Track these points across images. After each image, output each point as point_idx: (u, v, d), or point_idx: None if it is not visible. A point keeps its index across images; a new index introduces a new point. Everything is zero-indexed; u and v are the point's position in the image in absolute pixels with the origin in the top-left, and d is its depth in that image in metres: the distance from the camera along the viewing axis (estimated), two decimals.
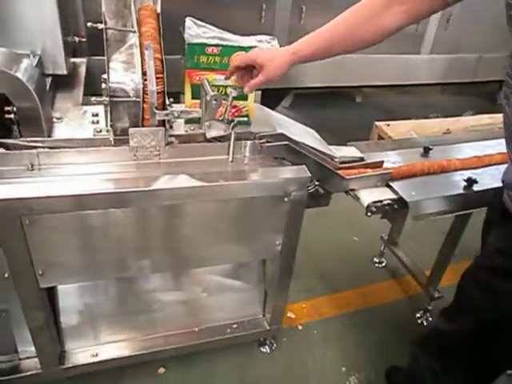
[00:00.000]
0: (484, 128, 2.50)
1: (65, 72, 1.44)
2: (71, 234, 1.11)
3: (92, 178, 1.12)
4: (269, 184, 1.21)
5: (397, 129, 2.55)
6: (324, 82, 2.91)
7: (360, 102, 4.15)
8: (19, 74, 1.09)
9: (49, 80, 1.41)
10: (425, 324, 1.86)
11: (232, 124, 1.20)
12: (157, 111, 1.11)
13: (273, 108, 2.96)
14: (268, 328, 1.59)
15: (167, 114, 1.13)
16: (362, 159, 1.57)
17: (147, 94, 1.10)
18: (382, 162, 1.55)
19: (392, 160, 1.63)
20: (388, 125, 2.59)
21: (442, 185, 1.54)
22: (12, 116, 1.12)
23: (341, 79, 2.93)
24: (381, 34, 1.06)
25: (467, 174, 1.56)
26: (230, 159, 1.26)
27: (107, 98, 1.10)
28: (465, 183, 1.51)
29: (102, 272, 1.23)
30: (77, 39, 1.65)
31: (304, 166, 1.28)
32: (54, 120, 1.28)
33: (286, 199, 1.25)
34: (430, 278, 1.83)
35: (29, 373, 1.36)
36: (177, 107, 1.17)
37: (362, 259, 2.20)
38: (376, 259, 2.19)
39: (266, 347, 1.68)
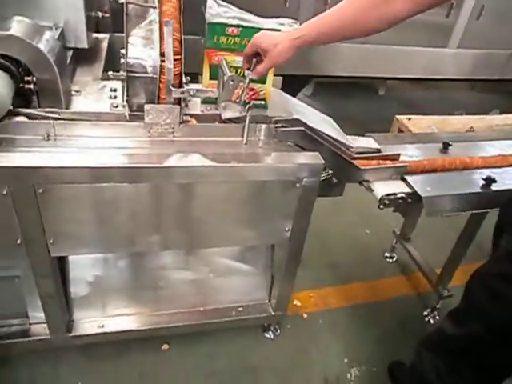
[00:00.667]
0: (509, 128, 2.43)
1: (86, 46, 1.45)
2: (83, 206, 1.13)
3: (105, 151, 1.13)
4: (281, 168, 1.20)
5: (418, 123, 2.50)
6: (347, 72, 2.85)
7: (383, 94, 4.08)
8: (41, 45, 1.10)
9: (70, 53, 1.42)
10: (432, 322, 1.84)
11: (248, 106, 1.19)
12: (173, 89, 1.11)
13: (293, 95, 2.94)
14: (273, 314, 1.60)
15: (183, 92, 1.13)
16: (378, 151, 1.55)
17: (164, 71, 1.10)
18: (399, 154, 1.52)
19: (409, 154, 1.60)
20: (409, 119, 2.54)
21: (459, 182, 1.51)
22: (32, 86, 1.13)
23: (364, 69, 2.87)
24: (387, 21, 1.04)
25: (487, 172, 1.52)
26: (244, 141, 1.25)
27: (124, 73, 1.11)
28: (483, 182, 1.48)
29: (111, 245, 1.25)
30: (100, 14, 1.65)
31: (318, 153, 1.27)
32: (73, 93, 1.29)
33: (297, 185, 1.24)
34: (440, 277, 1.81)
35: (38, 337, 1.40)
36: (193, 86, 1.17)
37: (373, 252, 2.18)
38: (387, 253, 2.17)
39: (270, 333, 1.69)
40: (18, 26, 1.12)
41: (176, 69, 1.11)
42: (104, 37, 1.76)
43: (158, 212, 1.21)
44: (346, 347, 1.70)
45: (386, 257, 2.16)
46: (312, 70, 2.72)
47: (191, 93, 1.14)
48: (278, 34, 1.12)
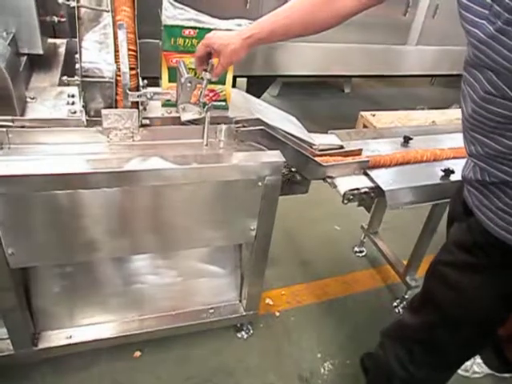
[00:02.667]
0: None
1: (41, 52, 1.41)
2: (40, 214, 1.10)
3: (62, 158, 1.10)
4: (242, 168, 1.21)
5: (382, 119, 2.56)
6: (311, 71, 2.89)
7: (348, 92, 4.15)
8: None
9: (24, 59, 1.38)
10: (401, 312, 1.88)
11: (206, 107, 1.19)
12: (130, 92, 1.10)
13: (258, 95, 2.96)
14: (244, 313, 1.60)
15: (140, 96, 1.12)
16: (341, 147, 1.58)
17: (120, 75, 1.09)
18: (361, 150, 1.56)
19: (372, 149, 1.64)
20: (373, 115, 2.60)
21: (419, 174, 1.55)
22: None
23: (329, 68, 2.92)
24: (337, 17, 1.06)
25: (446, 164, 1.58)
26: (205, 143, 1.25)
27: (79, 79, 1.09)
28: (442, 173, 1.53)
29: (73, 254, 1.22)
30: (56, 19, 1.61)
31: (278, 151, 1.28)
32: (28, 100, 1.25)
33: (259, 184, 1.25)
34: (407, 267, 1.85)
35: (1, 354, 1.36)
36: (151, 89, 1.16)
37: (343, 248, 2.22)
38: (356, 248, 2.21)
39: (243, 333, 1.69)
40: None
41: (132, 72, 1.10)
42: (61, 42, 1.73)
43: (121, 217, 1.19)
44: (319, 342, 1.72)
45: (356, 251, 2.20)
46: (276, 70, 2.74)
47: (148, 96, 1.13)
48: (230, 34, 1.11)
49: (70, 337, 1.43)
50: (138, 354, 1.58)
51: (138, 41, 1.14)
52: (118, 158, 1.14)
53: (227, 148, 1.29)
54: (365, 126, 2.60)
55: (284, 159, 1.25)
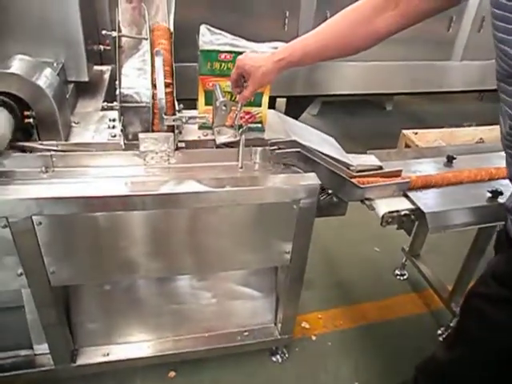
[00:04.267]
0: None
1: (86, 79, 1.49)
2: (81, 235, 1.14)
3: (101, 181, 1.14)
4: (277, 190, 1.20)
5: (425, 137, 2.48)
6: (352, 90, 2.86)
7: (390, 110, 4.06)
8: (39, 82, 1.14)
9: (71, 86, 1.47)
10: None
11: (241, 130, 1.20)
12: (165, 116, 1.13)
13: (298, 115, 2.96)
14: (279, 337, 1.57)
15: (175, 120, 1.15)
16: (380, 168, 1.53)
17: (157, 100, 1.12)
18: (401, 170, 1.51)
19: (412, 169, 1.58)
20: (416, 133, 2.52)
21: (463, 196, 1.47)
22: (31, 120, 1.17)
23: (370, 86, 2.87)
24: (374, 38, 1.01)
25: (494, 185, 1.49)
26: (240, 165, 1.26)
27: (118, 104, 1.13)
28: (489, 194, 1.44)
29: (110, 274, 1.26)
30: (102, 47, 1.70)
31: (314, 173, 1.26)
32: (73, 124, 1.32)
33: (294, 207, 1.23)
34: (452, 293, 1.75)
35: (42, 368, 1.41)
36: (186, 113, 1.18)
37: (383, 271, 2.14)
38: (397, 271, 2.12)
39: (278, 356, 1.66)
40: (18, 64, 1.17)
41: (168, 97, 1.13)
42: (107, 68, 1.82)
43: (157, 238, 1.21)
44: (357, 370, 1.65)
45: (397, 274, 2.11)
46: (316, 89, 2.74)
47: (184, 120, 1.15)
48: (262, 56, 1.10)
49: (108, 354, 1.46)
50: (172, 374, 1.58)
51: (174, 66, 1.17)
52: (153, 181, 1.16)
53: (262, 170, 1.28)
54: (407, 145, 2.53)
55: (320, 182, 1.23)
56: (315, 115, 3.72)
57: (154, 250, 1.23)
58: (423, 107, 4.17)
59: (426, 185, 1.49)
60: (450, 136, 2.48)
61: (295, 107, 2.83)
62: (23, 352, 1.43)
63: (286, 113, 3.00)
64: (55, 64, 1.42)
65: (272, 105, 2.90)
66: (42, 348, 1.40)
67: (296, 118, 1.65)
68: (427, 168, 1.61)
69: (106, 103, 1.17)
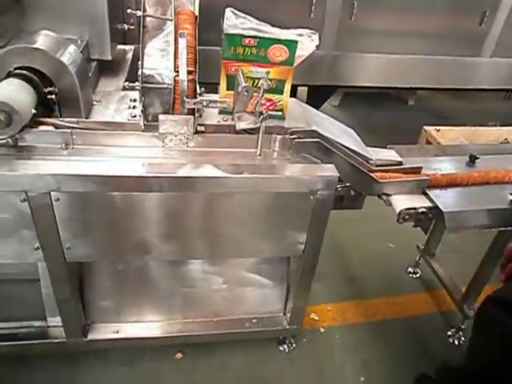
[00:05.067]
0: None
1: (109, 58, 1.48)
2: (97, 213, 1.15)
3: (119, 160, 1.15)
4: (294, 180, 1.19)
5: (447, 135, 2.43)
6: (375, 82, 2.80)
7: (413, 104, 3.98)
8: (63, 58, 1.15)
9: (94, 64, 1.46)
10: (456, 343, 1.75)
11: (261, 117, 1.18)
12: (186, 99, 1.12)
13: (318, 105, 2.91)
14: (287, 327, 1.57)
15: (196, 103, 1.14)
16: (400, 163, 1.50)
17: (178, 82, 1.11)
18: (421, 167, 1.47)
19: (433, 167, 1.54)
20: (438, 130, 2.47)
21: (485, 197, 1.44)
22: (53, 96, 1.17)
23: (393, 80, 2.81)
24: None
25: None
26: (258, 152, 1.25)
27: (139, 84, 1.13)
28: (511, 197, 1.41)
29: (124, 253, 1.27)
30: (126, 27, 1.69)
31: (333, 165, 1.24)
32: (94, 103, 1.32)
33: (311, 197, 1.22)
34: (465, 295, 1.73)
35: (55, 340, 1.44)
36: (207, 97, 1.17)
37: (396, 267, 2.11)
38: (410, 269, 2.09)
39: (285, 346, 1.66)
40: (43, 40, 1.17)
41: (190, 80, 1.12)
42: (130, 48, 1.81)
43: (171, 221, 1.21)
44: (364, 365, 1.65)
45: (410, 272, 2.09)
46: (338, 80, 2.69)
47: (204, 103, 1.14)
48: None
49: (117, 331, 1.48)
50: (179, 355, 1.60)
51: (197, 50, 1.16)
52: (171, 164, 1.16)
53: (281, 159, 1.27)
54: (428, 142, 2.48)
55: (338, 174, 1.22)
56: (336, 106, 3.67)
57: (167, 233, 1.23)
58: (447, 104, 4.08)
59: (445, 183, 1.45)
60: (473, 135, 2.42)
61: (316, 97, 2.79)
62: (37, 323, 1.47)
63: (307, 102, 2.95)
64: (79, 41, 1.42)
65: (293, 93, 2.87)
66: (56, 321, 1.43)
67: (317, 107, 1.62)
68: (448, 166, 1.57)
69: (127, 83, 1.16)
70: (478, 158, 1.59)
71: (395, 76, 2.75)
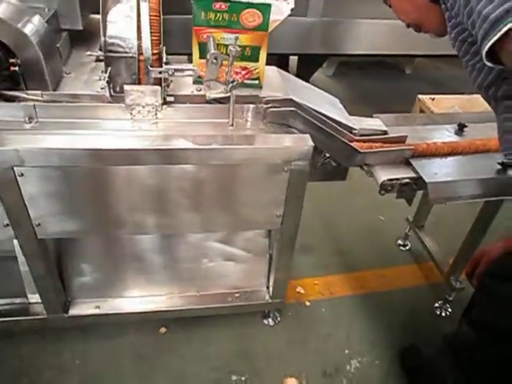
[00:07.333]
0: None
1: (80, 27, 1.42)
2: (63, 188, 1.12)
3: (85, 133, 1.11)
4: (266, 151, 1.14)
5: (441, 103, 2.36)
6: (369, 50, 2.69)
7: (410, 73, 3.86)
8: (23, 28, 1.10)
9: (64, 35, 1.41)
10: (443, 315, 1.74)
11: (231, 85, 1.13)
12: (151, 68, 1.07)
13: (309, 75, 2.82)
14: (270, 301, 1.56)
15: (162, 72, 1.09)
16: (384, 133, 1.45)
17: (142, 50, 1.06)
18: (406, 136, 1.42)
19: (419, 136, 1.49)
20: (432, 99, 2.40)
21: (471, 167, 1.39)
22: (17, 68, 1.12)
23: (389, 47, 2.69)
24: None
25: None
26: (230, 123, 1.20)
27: (103, 53, 1.08)
28: (499, 167, 1.36)
29: (96, 229, 1.25)
30: None
31: (308, 135, 1.20)
32: (64, 75, 1.28)
33: (285, 168, 1.18)
34: (452, 267, 1.70)
35: (36, 317, 1.44)
36: (174, 65, 1.12)
37: (386, 240, 2.08)
38: (400, 241, 2.07)
39: (270, 320, 1.66)
40: (4, 9, 1.11)
41: (154, 48, 1.07)
42: None
43: (143, 195, 1.18)
44: (348, 338, 1.64)
45: (399, 245, 2.06)
46: (331, 48, 2.58)
47: (170, 72, 1.09)
48: None
49: (98, 307, 1.48)
50: (163, 330, 1.60)
51: (162, 16, 1.10)
52: (138, 136, 1.12)
53: (254, 129, 1.23)
54: (421, 111, 2.41)
55: (313, 144, 1.17)
56: (330, 76, 3.56)
57: (138, 207, 1.20)
58: (444, 71, 3.95)
59: (430, 153, 1.40)
60: (467, 103, 2.35)
61: (307, 66, 2.69)
62: (18, 300, 1.47)
63: (298, 72, 2.86)
64: (46, 10, 1.36)
65: (285, 63, 2.77)
66: (35, 297, 1.42)
67: (308, 77, 1.56)
68: (436, 135, 1.51)
69: (89, 52, 1.12)
70: (466, 127, 1.53)
71: (391, 43, 2.63)
